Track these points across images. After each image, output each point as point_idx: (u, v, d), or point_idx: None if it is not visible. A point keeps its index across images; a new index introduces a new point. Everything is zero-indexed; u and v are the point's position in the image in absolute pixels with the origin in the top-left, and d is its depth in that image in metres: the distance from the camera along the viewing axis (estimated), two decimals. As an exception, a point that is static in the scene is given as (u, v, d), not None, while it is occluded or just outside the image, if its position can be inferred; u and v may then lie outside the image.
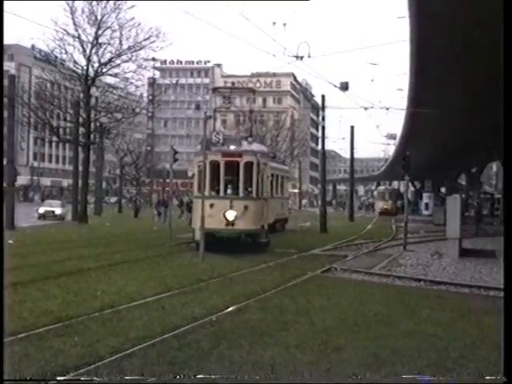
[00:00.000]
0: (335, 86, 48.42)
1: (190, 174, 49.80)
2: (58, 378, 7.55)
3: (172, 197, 44.46)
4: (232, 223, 26.68)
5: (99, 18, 50.79)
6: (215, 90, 32.45)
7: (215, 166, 27.55)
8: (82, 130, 52.80)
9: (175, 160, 34.16)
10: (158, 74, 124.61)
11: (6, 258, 10.49)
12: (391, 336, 11.44)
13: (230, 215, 26.66)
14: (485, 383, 8.18)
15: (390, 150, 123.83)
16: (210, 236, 24.76)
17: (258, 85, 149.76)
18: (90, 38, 51.19)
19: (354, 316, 13.27)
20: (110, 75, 54.68)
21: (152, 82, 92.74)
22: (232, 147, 27.95)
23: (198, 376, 8.50)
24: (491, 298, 16.58)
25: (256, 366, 9.22)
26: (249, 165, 27.70)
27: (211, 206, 26.43)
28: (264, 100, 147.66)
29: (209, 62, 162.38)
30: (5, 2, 10.20)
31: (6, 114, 40.79)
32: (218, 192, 27.58)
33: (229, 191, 27.53)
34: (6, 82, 41.91)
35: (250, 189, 27.96)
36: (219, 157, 27.36)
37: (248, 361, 9.57)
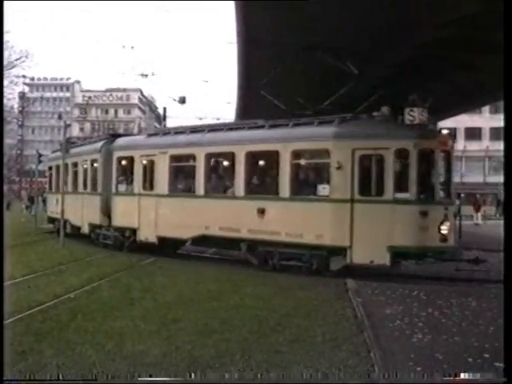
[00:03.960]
0: (174, 100, 49.30)
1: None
2: (59, 378, 7.23)
3: (38, 193, 43.43)
4: (445, 238, 15.94)
5: (-23, 40, 49.25)
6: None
7: (425, 156, 15.92)
8: (-39, 135, 50.94)
9: (40, 162, 33.91)
10: (27, 88, 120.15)
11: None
12: (220, 309, 11.41)
13: (446, 228, 15.98)
14: (485, 383, 7.40)
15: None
16: (409, 256, 16.34)
17: (111, 98, 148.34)
18: (-31, 58, 49.63)
19: (190, 293, 13.23)
20: (-14, 89, 53.31)
21: (22, 96, 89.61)
22: (445, 132, 16.85)
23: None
24: (301, 277, 16.74)
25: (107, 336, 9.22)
26: (453, 155, 17.08)
27: (423, 214, 15.69)
28: (116, 111, 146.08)
29: (70, 78, 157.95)
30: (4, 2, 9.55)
31: None
32: (432, 196, 16.15)
33: (441, 194, 16.53)
34: None
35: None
36: (435, 143, 15.92)
37: (100, 330, 9.55)
